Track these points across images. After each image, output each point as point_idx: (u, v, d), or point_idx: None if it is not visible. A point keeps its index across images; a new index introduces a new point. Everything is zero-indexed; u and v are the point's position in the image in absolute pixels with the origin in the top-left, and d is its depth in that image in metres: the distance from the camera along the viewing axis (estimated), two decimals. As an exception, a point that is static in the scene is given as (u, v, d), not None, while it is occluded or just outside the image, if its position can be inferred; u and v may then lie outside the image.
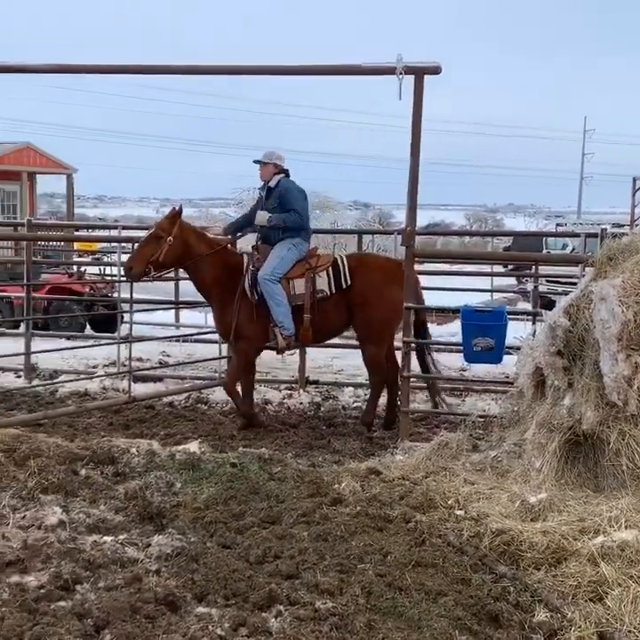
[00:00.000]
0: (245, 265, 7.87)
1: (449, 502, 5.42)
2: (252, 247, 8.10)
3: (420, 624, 3.90)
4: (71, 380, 9.62)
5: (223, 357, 9.66)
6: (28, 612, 3.92)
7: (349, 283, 7.77)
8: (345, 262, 7.84)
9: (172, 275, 11.89)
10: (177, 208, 7.92)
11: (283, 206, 7.80)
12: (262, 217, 7.88)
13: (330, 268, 7.81)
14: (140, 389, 9.50)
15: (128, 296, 10.76)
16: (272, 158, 7.92)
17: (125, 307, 10.27)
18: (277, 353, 8.47)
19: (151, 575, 4.34)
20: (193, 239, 7.88)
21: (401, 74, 6.32)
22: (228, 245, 8.21)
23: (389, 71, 6.38)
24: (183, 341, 11.58)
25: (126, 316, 11.28)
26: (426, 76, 6.57)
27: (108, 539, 4.80)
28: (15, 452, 6.13)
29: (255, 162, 8.00)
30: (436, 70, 6.47)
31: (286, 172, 7.99)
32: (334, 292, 7.79)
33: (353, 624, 3.87)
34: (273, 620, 3.89)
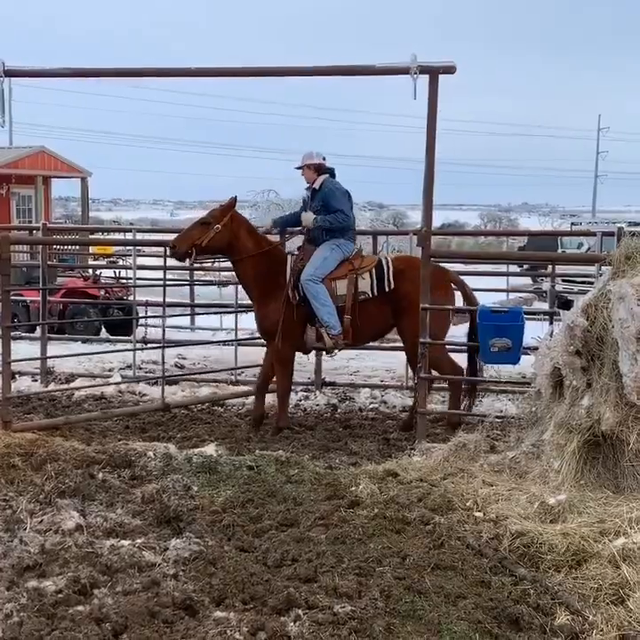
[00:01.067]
0: (289, 265, 7.86)
1: (467, 504, 5.39)
2: (298, 248, 8.11)
3: (439, 627, 3.88)
4: (106, 385, 9.65)
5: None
6: (47, 616, 3.93)
7: (393, 286, 7.70)
8: (390, 264, 7.76)
9: (187, 278, 11.97)
10: (233, 198, 7.93)
11: (327, 208, 7.76)
12: (308, 218, 7.85)
13: (373, 270, 7.75)
14: (156, 392, 9.52)
15: (143, 299, 10.86)
16: (305, 161, 7.89)
17: (141, 310, 10.30)
18: (326, 353, 8.44)
19: (169, 579, 4.34)
20: (242, 233, 7.88)
21: (415, 73, 6.28)
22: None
23: (403, 71, 6.35)
24: (224, 345, 11.53)
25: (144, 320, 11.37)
26: (440, 76, 6.54)
27: (125, 543, 4.79)
28: (32, 456, 6.16)
29: (297, 168, 7.98)
30: (450, 69, 6.43)
31: (331, 172, 7.95)
32: (377, 294, 7.74)
33: (372, 628, 3.84)
34: (291, 624, 3.87)
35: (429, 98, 6.45)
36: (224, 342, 11.24)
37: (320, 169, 7.93)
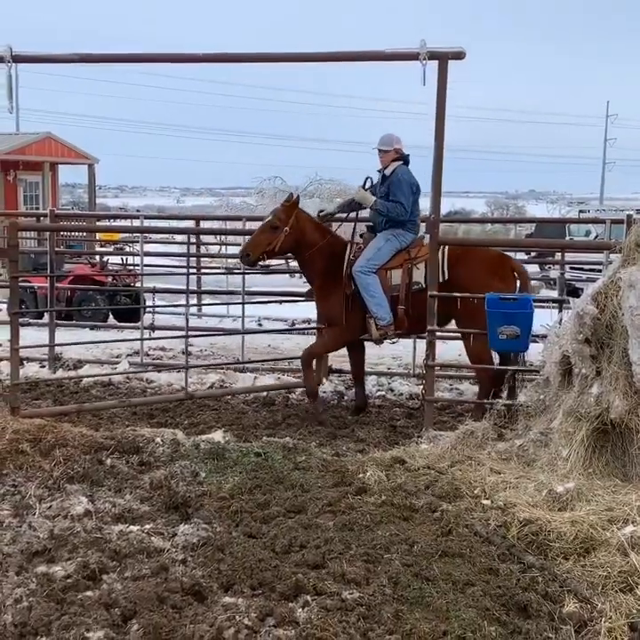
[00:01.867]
0: (347, 255, 7.83)
1: (475, 492, 5.38)
2: (360, 235, 8.04)
3: (447, 614, 3.88)
4: (137, 372, 9.60)
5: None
6: (56, 601, 3.94)
7: (447, 277, 7.46)
8: (445, 255, 7.55)
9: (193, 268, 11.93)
10: (294, 197, 7.93)
11: (389, 196, 7.67)
12: (364, 197, 7.77)
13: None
14: (163, 379, 9.53)
15: (150, 286, 10.86)
16: (392, 144, 7.76)
17: (148, 296, 10.27)
18: (375, 343, 8.33)
19: (177, 565, 4.35)
20: (309, 229, 7.86)
21: (424, 59, 6.24)
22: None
23: (413, 57, 6.30)
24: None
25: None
26: (449, 62, 6.49)
27: (134, 528, 4.81)
28: (41, 442, 6.16)
29: (379, 150, 7.83)
30: (459, 55, 6.39)
31: (405, 159, 7.83)
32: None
33: (380, 614, 3.85)
34: (300, 609, 3.88)
35: (439, 84, 6.41)
36: (268, 331, 11.00)
37: (397, 155, 7.80)
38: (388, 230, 7.73)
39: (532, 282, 20.58)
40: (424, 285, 7.51)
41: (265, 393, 9.06)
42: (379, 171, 7.99)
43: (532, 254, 20.61)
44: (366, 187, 7.91)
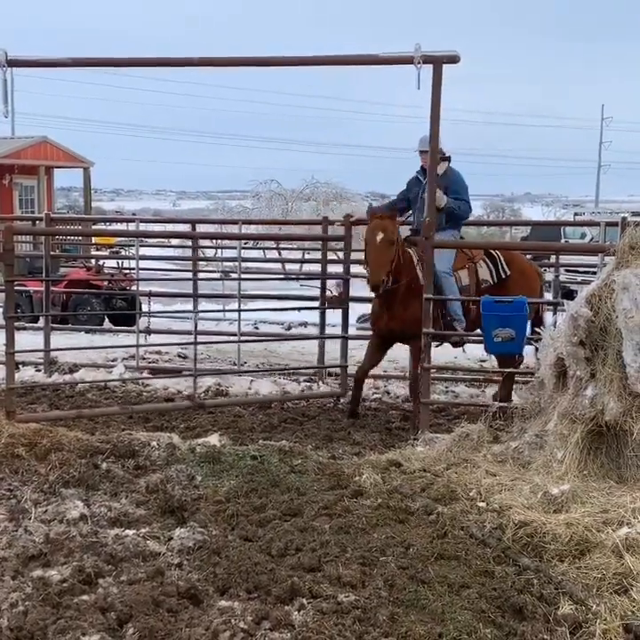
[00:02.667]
0: (415, 258, 7.66)
1: (471, 494, 5.39)
2: (405, 239, 7.91)
3: (443, 617, 3.88)
4: (153, 377, 9.55)
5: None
6: (52, 605, 3.94)
7: (508, 273, 7.71)
8: (498, 252, 7.78)
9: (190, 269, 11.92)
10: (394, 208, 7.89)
11: (449, 195, 7.66)
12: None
13: (486, 258, 7.74)
14: (159, 382, 9.52)
15: (146, 290, 10.87)
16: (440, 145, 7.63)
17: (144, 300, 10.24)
18: (455, 346, 8.31)
19: (173, 568, 4.36)
20: (400, 239, 7.70)
21: (419, 63, 6.26)
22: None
23: (407, 61, 6.32)
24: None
25: (146, 309, 11.35)
26: (444, 66, 6.51)
27: (129, 532, 4.81)
28: (36, 446, 6.15)
29: (422, 152, 7.80)
30: (454, 59, 6.41)
31: (449, 158, 7.86)
32: (497, 281, 7.74)
33: (376, 617, 3.85)
34: (296, 613, 3.88)
35: (433, 87, 6.43)
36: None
37: (443, 155, 7.78)
38: (447, 231, 7.80)
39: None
40: (491, 282, 7.69)
41: (261, 396, 9.06)
42: (418, 172, 8.00)
43: (527, 257, 20.68)
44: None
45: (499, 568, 4.42)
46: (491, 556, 4.56)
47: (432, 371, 7.55)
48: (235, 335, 10.21)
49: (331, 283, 9.53)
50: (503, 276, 7.72)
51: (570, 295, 11.71)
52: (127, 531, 4.84)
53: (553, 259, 16.32)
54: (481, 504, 5.25)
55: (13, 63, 6.82)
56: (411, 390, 8.03)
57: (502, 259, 7.75)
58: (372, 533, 4.85)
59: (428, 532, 4.87)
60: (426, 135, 7.68)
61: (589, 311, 5.57)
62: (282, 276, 14.37)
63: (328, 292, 9.16)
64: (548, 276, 10.43)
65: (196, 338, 8.36)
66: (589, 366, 5.58)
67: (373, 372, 10.15)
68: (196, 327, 8.39)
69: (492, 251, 7.90)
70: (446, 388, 9.52)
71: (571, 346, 5.58)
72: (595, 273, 11.12)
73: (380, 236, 7.39)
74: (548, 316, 8.11)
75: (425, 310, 6.83)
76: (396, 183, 8.15)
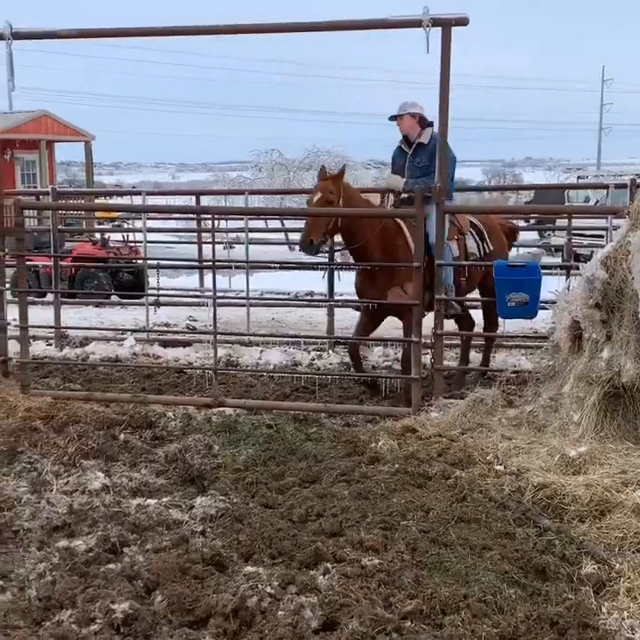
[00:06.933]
0: (404, 226, 7.31)
1: (488, 458, 5.43)
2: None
3: (467, 578, 3.92)
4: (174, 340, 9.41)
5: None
6: (79, 575, 3.98)
7: (491, 248, 7.56)
8: (481, 225, 7.57)
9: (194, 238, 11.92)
10: (342, 168, 7.52)
11: (433, 165, 7.16)
12: (396, 181, 7.45)
13: (472, 230, 7.52)
14: (170, 354, 9.53)
15: (154, 262, 10.85)
16: (406, 109, 7.42)
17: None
18: (449, 318, 7.80)
19: (197, 536, 4.40)
20: (360, 202, 7.41)
21: (428, 26, 6.18)
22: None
23: (416, 24, 6.23)
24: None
25: (153, 282, 11.35)
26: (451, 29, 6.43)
27: (151, 501, 4.86)
28: (53, 419, 6.21)
29: (390, 118, 7.48)
30: (463, 21, 6.31)
31: (431, 124, 7.40)
32: (482, 256, 7.54)
33: (400, 580, 3.89)
34: (321, 577, 3.92)
35: (442, 51, 6.34)
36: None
37: (424, 121, 7.45)
38: (430, 203, 7.21)
39: (533, 249, 20.61)
40: (478, 256, 7.54)
41: (272, 365, 9.07)
42: (401, 142, 7.63)
43: (532, 221, 20.60)
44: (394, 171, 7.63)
45: (519, 530, 4.46)
46: (511, 518, 4.60)
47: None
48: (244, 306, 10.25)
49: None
50: (487, 251, 7.53)
51: (577, 259, 11.68)
52: (149, 500, 4.89)
53: (558, 223, 16.33)
54: (498, 467, 5.29)
55: (18, 36, 6.75)
56: (402, 366, 7.74)
57: (485, 232, 7.56)
58: (392, 498, 4.89)
59: (446, 496, 4.91)
60: (406, 101, 7.51)
61: (605, 273, 5.56)
62: (287, 245, 14.36)
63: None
64: (559, 240, 10.40)
65: (215, 302, 7.71)
66: (605, 328, 5.57)
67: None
68: (214, 290, 7.75)
69: (475, 222, 7.69)
70: (457, 354, 9.51)
71: (586, 308, 5.57)
72: (601, 236, 11.13)
73: (317, 197, 7.17)
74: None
75: (437, 277, 6.80)
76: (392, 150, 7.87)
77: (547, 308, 6.67)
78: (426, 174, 7.34)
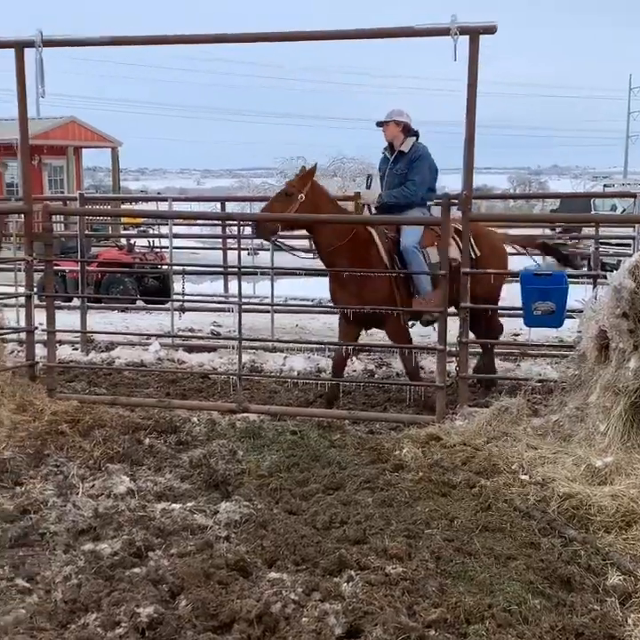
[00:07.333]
0: (376, 235, 7.42)
1: (513, 467, 5.41)
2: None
3: (491, 588, 3.90)
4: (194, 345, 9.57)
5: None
6: (104, 578, 4.01)
7: (478, 254, 7.45)
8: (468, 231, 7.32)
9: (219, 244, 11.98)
10: (312, 166, 7.64)
11: (411, 174, 7.41)
12: (371, 196, 7.56)
13: (456, 236, 7.37)
14: (194, 359, 9.57)
15: (180, 267, 10.90)
16: (393, 116, 7.50)
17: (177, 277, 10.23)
18: (424, 325, 8.02)
19: (221, 541, 4.42)
20: (325, 202, 7.53)
21: (456, 34, 6.18)
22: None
23: (444, 32, 6.24)
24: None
25: (178, 287, 11.40)
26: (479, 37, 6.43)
27: (176, 506, 4.88)
28: (79, 422, 6.25)
29: (378, 124, 7.58)
30: (490, 30, 6.30)
31: (417, 134, 7.55)
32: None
33: (425, 588, 3.88)
34: (345, 584, 3.92)
35: (470, 59, 6.34)
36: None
37: (408, 129, 7.53)
38: (414, 209, 7.55)
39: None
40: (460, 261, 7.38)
41: (295, 372, 9.08)
42: (385, 149, 7.75)
43: (558, 230, 20.50)
44: (371, 186, 7.77)
45: (545, 540, 4.44)
46: (536, 528, 4.57)
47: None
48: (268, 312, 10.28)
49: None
50: (472, 257, 7.33)
51: (603, 268, 11.60)
52: (173, 505, 4.91)
53: (584, 231, 16.23)
54: (523, 477, 5.26)
55: (49, 43, 6.84)
56: (408, 374, 7.81)
57: (472, 239, 7.33)
58: (416, 506, 4.89)
59: (471, 505, 4.89)
60: (394, 109, 7.58)
61: (632, 282, 5.51)
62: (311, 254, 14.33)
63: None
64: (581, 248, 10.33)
65: (240, 308, 7.72)
66: (632, 338, 5.52)
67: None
68: (240, 296, 7.79)
69: (460, 228, 7.38)
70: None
71: (613, 318, 5.53)
72: (628, 245, 11.05)
73: (280, 189, 7.62)
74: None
75: (463, 285, 6.79)
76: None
77: (573, 317, 6.64)
78: (402, 182, 7.48)
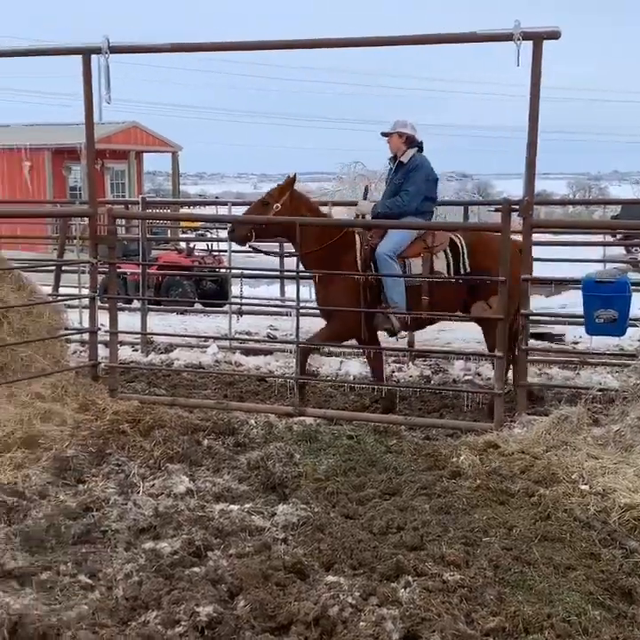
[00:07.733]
0: (358, 242, 7.49)
1: (572, 477, 5.33)
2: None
3: (550, 598, 3.87)
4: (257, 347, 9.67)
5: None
6: (165, 577, 4.07)
7: (468, 269, 7.28)
8: (463, 243, 7.31)
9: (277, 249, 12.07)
10: (291, 176, 7.68)
11: (406, 185, 7.43)
12: (366, 207, 7.63)
13: (448, 249, 7.35)
14: (251, 362, 9.66)
15: (238, 270, 11.02)
16: (396, 128, 7.54)
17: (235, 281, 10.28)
18: (391, 335, 8.02)
19: (279, 543, 4.45)
20: (303, 211, 7.60)
21: (519, 39, 6.14)
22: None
23: (507, 38, 6.21)
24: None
25: (235, 290, 11.51)
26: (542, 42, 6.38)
27: (234, 507, 4.94)
28: (140, 422, 6.35)
29: (383, 134, 7.64)
30: (554, 35, 6.25)
31: (420, 146, 7.58)
32: (454, 273, 7.34)
33: (483, 596, 3.87)
34: (402, 590, 3.92)
35: (533, 64, 6.29)
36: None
37: (411, 141, 7.56)
38: (408, 219, 7.45)
39: (620, 264, 20.13)
40: (446, 274, 7.32)
41: (351, 376, 9.09)
42: (390, 160, 7.80)
43: (618, 237, 20.18)
44: (367, 197, 7.92)
45: (605, 551, 4.38)
46: (596, 538, 4.51)
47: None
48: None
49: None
50: (462, 272, 7.23)
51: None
52: (232, 506, 4.96)
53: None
54: (584, 487, 5.19)
55: (115, 50, 6.98)
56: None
57: (465, 251, 7.25)
58: (473, 514, 4.86)
59: (530, 514, 4.85)
60: (401, 119, 7.60)
61: (698, 291, 5.42)
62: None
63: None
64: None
65: (298, 312, 7.76)
66: (697, 348, 5.44)
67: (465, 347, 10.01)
68: (298, 298, 7.83)
69: (457, 242, 7.36)
70: (540, 370, 9.38)
71: (678, 327, 5.45)
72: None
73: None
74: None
75: (523, 292, 6.73)
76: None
77: (636, 326, 6.54)
78: (397, 193, 7.49)
